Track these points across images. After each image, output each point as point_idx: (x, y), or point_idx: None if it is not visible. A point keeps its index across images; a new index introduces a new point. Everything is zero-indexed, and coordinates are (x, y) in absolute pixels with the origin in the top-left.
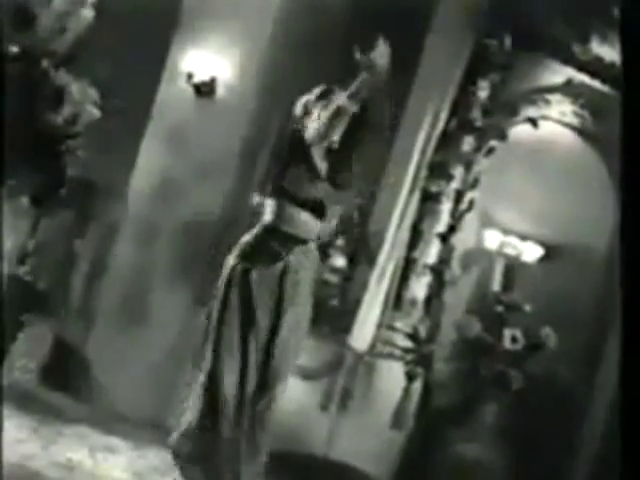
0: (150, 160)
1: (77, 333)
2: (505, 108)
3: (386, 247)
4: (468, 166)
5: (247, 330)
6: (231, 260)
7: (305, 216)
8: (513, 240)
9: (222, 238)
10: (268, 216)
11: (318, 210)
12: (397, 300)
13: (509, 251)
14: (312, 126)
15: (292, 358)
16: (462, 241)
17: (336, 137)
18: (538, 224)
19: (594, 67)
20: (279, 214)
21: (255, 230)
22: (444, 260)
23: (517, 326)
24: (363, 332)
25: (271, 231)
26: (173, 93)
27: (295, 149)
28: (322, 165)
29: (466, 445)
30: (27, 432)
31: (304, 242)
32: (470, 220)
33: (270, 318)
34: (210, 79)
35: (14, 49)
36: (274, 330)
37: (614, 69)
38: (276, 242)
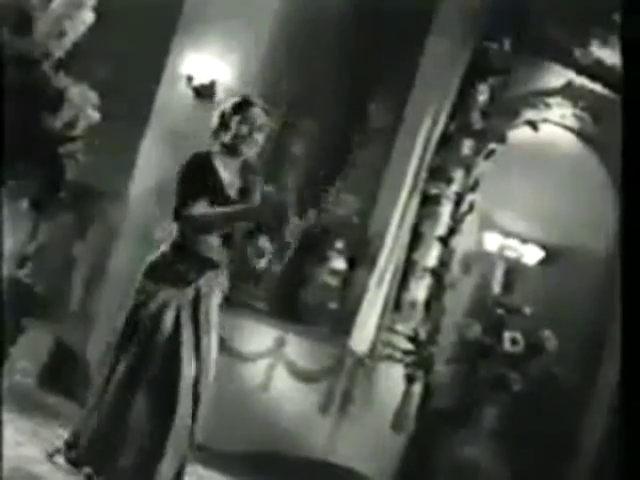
0: (150, 163)
1: (77, 336)
2: (505, 111)
3: (386, 250)
4: (468, 169)
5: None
6: (137, 281)
7: (215, 240)
8: (513, 243)
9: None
10: (177, 234)
11: (227, 237)
12: (397, 303)
13: (509, 254)
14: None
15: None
16: (462, 244)
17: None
18: (538, 227)
19: (594, 70)
20: (187, 236)
21: (163, 249)
22: (444, 263)
23: (517, 329)
24: (363, 335)
25: (180, 250)
26: (173, 96)
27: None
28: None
29: (466, 447)
30: (27, 435)
31: (210, 262)
32: (470, 223)
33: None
34: (210, 82)
35: (13, 52)
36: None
37: (614, 72)
38: (182, 263)
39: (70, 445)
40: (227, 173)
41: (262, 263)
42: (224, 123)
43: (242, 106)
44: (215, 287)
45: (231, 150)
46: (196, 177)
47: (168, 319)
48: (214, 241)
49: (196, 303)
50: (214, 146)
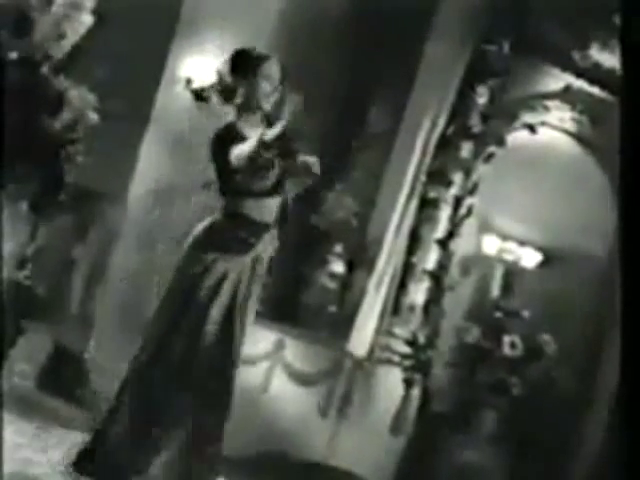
0: (149, 166)
1: (76, 338)
2: (504, 114)
3: (385, 253)
4: (467, 172)
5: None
6: (190, 250)
7: (264, 201)
8: (512, 246)
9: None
10: (226, 206)
11: (274, 190)
12: (396, 306)
13: (508, 257)
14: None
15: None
16: (461, 247)
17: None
18: (537, 230)
19: (593, 73)
20: (237, 202)
21: (214, 217)
22: (443, 266)
23: (516, 332)
24: (362, 338)
25: (233, 217)
26: (172, 99)
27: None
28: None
29: (465, 451)
30: (27, 438)
31: (268, 227)
32: (469, 226)
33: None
34: (209, 84)
35: (13, 55)
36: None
37: (613, 75)
38: (242, 229)
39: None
40: (254, 132)
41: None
42: (228, 88)
43: (240, 63)
44: (269, 249)
45: (247, 108)
46: (226, 150)
47: (226, 292)
48: (265, 203)
49: (254, 269)
50: (229, 113)
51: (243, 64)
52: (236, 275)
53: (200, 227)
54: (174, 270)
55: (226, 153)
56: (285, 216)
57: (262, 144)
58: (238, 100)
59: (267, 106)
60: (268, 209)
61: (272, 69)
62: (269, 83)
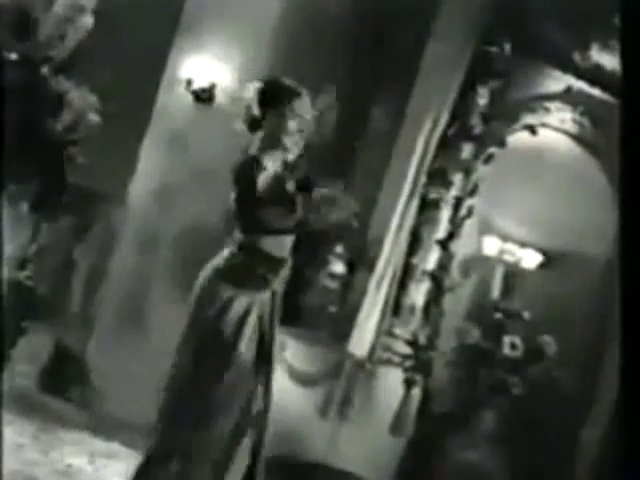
0: (150, 166)
1: (77, 339)
2: (504, 115)
3: (385, 253)
4: (467, 173)
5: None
6: (209, 282)
7: (279, 237)
8: (512, 247)
9: (222, 244)
10: (242, 239)
11: (296, 227)
12: (396, 306)
13: (508, 258)
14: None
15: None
16: (461, 248)
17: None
18: (537, 231)
19: (594, 75)
20: (254, 238)
21: (231, 251)
22: (443, 267)
23: (516, 333)
24: (362, 338)
25: (250, 251)
26: (172, 99)
27: (271, 189)
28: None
29: (465, 452)
30: (27, 438)
31: (284, 262)
32: (469, 227)
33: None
34: (209, 85)
35: (14, 55)
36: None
37: (614, 77)
38: (260, 265)
39: None
40: (274, 166)
41: None
42: (255, 118)
43: (271, 96)
44: (282, 284)
45: (270, 142)
46: (251, 178)
47: (250, 327)
48: (282, 239)
49: (273, 304)
50: (253, 146)
51: (274, 97)
52: (259, 311)
53: (219, 260)
54: (194, 302)
55: (251, 181)
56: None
57: (285, 166)
58: (263, 132)
59: (289, 144)
60: (284, 244)
61: (303, 107)
62: (297, 122)
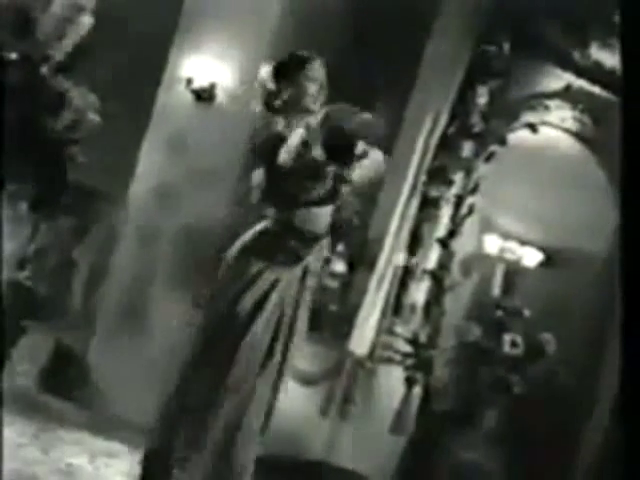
0: (150, 166)
1: (77, 338)
2: (505, 113)
3: (386, 252)
4: (468, 171)
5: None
6: (238, 255)
7: (315, 210)
8: (513, 245)
9: (222, 244)
10: (277, 214)
11: (328, 198)
12: (397, 305)
13: (509, 256)
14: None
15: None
16: (462, 246)
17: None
18: (538, 229)
19: (594, 73)
20: (289, 212)
21: (265, 225)
22: (444, 265)
23: (517, 331)
24: (363, 337)
25: (284, 226)
26: (173, 99)
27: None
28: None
29: (466, 450)
30: (27, 437)
31: (319, 238)
32: (470, 225)
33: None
34: (210, 85)
35: (13, 55)
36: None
37: (614, 75)
38: (292, 239)
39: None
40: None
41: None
42: (271, 93)
43: (283, 68)
44: (320, 259)
45: (295, 111)
46: (274, 153)
47: (271, 304)
48: (316, 213)
49: (303, 280)
50: (278, 122)
51: (286, 69)
52: (285, 285)
53: (250, 233)
54: (220, 276)
55: (274, 156)
56: (339, 228)
57: (308, 130)
58: (284, 104)
59: (314, 107)
60: (319, 219)
61: (316, 71)
62: (314, 84)
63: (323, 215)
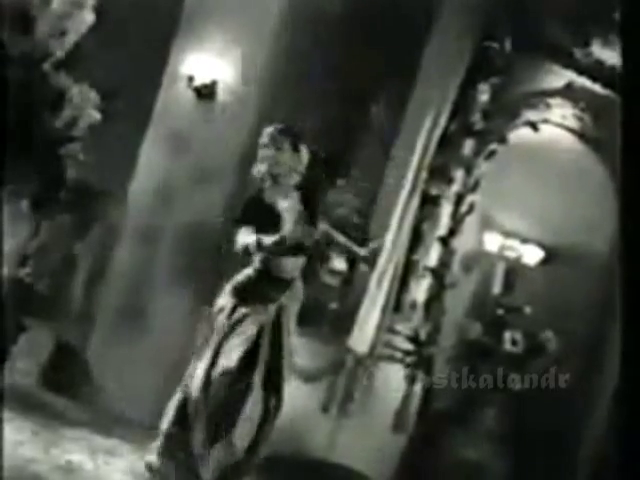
0: (150, 163)
1: (78, 336)
2: (505, 111)
3: (386, 250)
4: (469, 169)
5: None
6: (228, 300)
7: (290, 260)
8: (513, 243)
9: (222, 242)
10: (258, 264)
11: (299, 250)
12: (397, 303)
13: (509, 254)
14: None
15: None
16: (462, 244)
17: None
18: (538, 227)
19: (595, 71)
20: (267, 263)
21: (249, 273)
22: (444, 263)
23: (517, 329)
24: (363, 335)
25: (263, 274)
26: (174, 96)
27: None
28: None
29: (467, 448)
30: (28, 435)
31: (291, 282)
32: (471, 223)
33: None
34: (211, 82)
35: (14, 52)
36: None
37: (615, 73)
38: (267, 285)
39: None
40: (282, 201)
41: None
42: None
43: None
44: (294, 300)
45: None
46: (259, 215)
47: (248, 325)
48: (292, 263)
49: (279, 317)
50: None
51: (297, 139)
52: (260, 323)
53: (239, 279)
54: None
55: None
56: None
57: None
58: (278, 170)
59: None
60: (293, 265)
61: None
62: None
63: (297, 261)
